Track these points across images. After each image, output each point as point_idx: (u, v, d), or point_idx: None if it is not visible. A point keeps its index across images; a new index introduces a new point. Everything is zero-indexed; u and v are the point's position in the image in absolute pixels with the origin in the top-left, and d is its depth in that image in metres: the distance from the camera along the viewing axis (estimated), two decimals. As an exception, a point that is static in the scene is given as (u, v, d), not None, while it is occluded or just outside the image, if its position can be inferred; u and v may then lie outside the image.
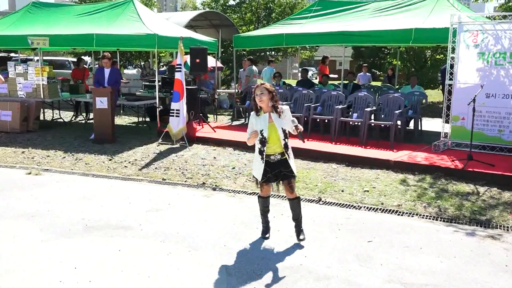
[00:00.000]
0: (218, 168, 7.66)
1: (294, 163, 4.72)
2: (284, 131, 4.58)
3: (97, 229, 5.05)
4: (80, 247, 4.59)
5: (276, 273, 4.08)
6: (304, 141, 4.64)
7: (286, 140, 4.60)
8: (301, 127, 4.47)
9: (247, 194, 6.44)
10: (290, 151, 4.66)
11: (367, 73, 15.79)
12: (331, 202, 6.10)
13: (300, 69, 14.71)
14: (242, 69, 14.55)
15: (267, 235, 4.85)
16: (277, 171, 4.61)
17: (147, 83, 13.34)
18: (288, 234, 4.91)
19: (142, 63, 16.80)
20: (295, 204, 4.77)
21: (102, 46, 10.33)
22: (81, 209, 5.73)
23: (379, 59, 25.55)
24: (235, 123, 11.79)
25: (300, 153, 8.27)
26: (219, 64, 15.39)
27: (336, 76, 28.25)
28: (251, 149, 8.85)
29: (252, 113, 4.68)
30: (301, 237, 4.78)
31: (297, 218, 4.81)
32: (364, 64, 17.66)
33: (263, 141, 4.56)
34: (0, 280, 3.92)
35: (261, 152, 4.59)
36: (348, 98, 9.99)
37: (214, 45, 12.15)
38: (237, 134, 9.56)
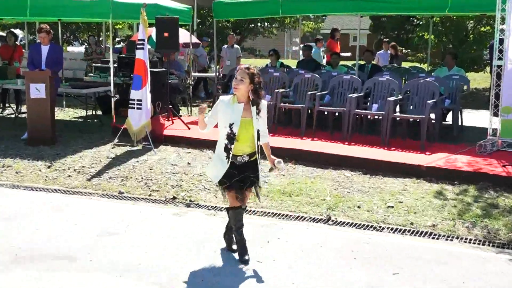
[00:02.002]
0: (193, 177, 7.62)
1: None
2: (257, 131, 4.79)
3: (31, 260, 4.97)
4: (7, 284, 4.51)
5: (271, 317, 4.04)
6: (283, 174, 4.96)
7: (258, 141, 4.83)
8: (283, 167, 4.88)
9: (232, 211, 6.39)
10: (259, 155, 4.94)
11: (390, 51, 15.84)
12: (344, 222, 6.08)
13: (301, 45, 14.68)
14: (227, 46, 14.50)
15: (246, 257, 4.93)
16: (244, 176, 4.81)
17: (99, 64, 13.26)
18: (287, 264, 4.89)
19: (88, 38, 16.73)
20: (242, 212, 5.03)
21: (39, 16, 10.26)
22: (9, 233, 5.65)
23: (405, 32, 25.68)
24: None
25: (302, 157, 8.25)
26: (195, 40, 15.32)
27: (349, 54, 28.31)
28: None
29: (223, 97, 4.81)
30: (246, 257, 4.94)
31: (240, 227, 5.01)
32: (385, 39, 17.71)
33: (231, 138, 4.71)
34: None
35: (227, 150, 4.74)
36: (366, 83, 10.00)
37: (188, 15, 12.10)
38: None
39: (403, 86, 10.01)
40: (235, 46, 15.01)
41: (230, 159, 4.75)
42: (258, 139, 4.80)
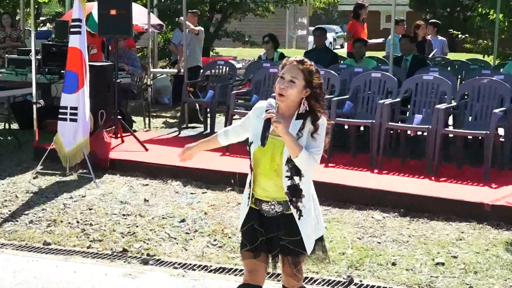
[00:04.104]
0: (152, 221, 7.65)
1: (315, 229, 4.59)
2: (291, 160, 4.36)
3: None
4: None
5: None
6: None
7: (297, 178, 4.41)
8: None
9: (210, 271, 6.43)
10: (306, 203, 4.51)
11: (440, 37, 15.98)
12: (373, 286, 6.12)
13: (311, 28, 14.80)
14: (189, 32, 14.55)
15: None
16: (274, 235, 4.50)
17: (15, 56, 13.31)
18: None
19: None
20: None
21: None
22: None
23: (462, 9, 25.85)
24: (185, 133, 11.77)
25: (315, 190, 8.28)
26: (155, 20, 15.41)
27: (381, 41, 28.56)
28: (215, 182, 8.83)
29: (259, 104, 4.52)
30: None
31: None
32: (431, 21, 17.83)
33: (251, 166, 4.47)
34: None
35: (250, 185, 4.51)
36: (404, 84, 10.06)
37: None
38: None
39: (458, 88, 10.05)
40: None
41: (249, 203, 4.53)
42: (299, 173, 4.37)
